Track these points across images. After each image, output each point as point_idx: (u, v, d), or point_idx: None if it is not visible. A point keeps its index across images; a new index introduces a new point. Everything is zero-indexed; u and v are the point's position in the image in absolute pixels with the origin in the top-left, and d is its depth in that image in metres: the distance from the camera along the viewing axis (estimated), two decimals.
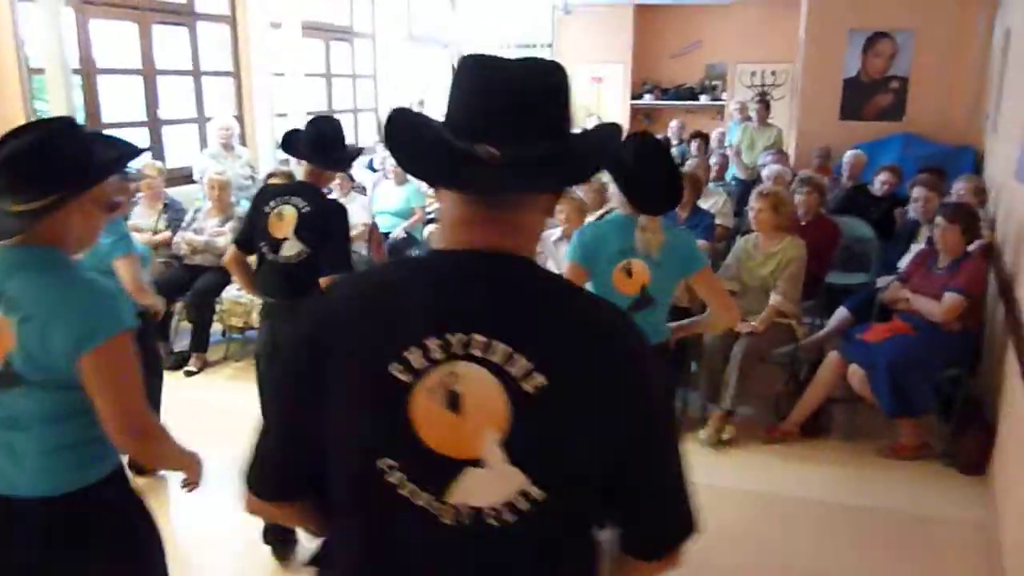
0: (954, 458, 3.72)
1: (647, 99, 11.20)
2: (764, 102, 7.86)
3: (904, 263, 4.38)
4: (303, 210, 2.91)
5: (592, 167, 1.08)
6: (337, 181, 5.83)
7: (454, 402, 0.94)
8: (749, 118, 8.08)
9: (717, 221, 5.33)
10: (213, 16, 6.67)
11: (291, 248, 2.89)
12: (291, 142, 3.08)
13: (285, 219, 2.91)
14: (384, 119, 1.00)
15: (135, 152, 1.80)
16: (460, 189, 0.99)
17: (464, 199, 0.99)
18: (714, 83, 11.06)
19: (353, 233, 5.68)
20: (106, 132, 2.13)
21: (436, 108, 10.19)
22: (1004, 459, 3.26)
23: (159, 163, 5.52)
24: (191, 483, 1.82)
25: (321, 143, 2.97)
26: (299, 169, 3.43)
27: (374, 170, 7.88)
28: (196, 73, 6.52)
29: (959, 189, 4.84)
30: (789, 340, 4.05)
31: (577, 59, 11.28)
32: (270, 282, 2.98)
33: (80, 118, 5.08)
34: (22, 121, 1.82)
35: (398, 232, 6.32)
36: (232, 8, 6.81)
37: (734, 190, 6.76)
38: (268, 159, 6.80)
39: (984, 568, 2.98)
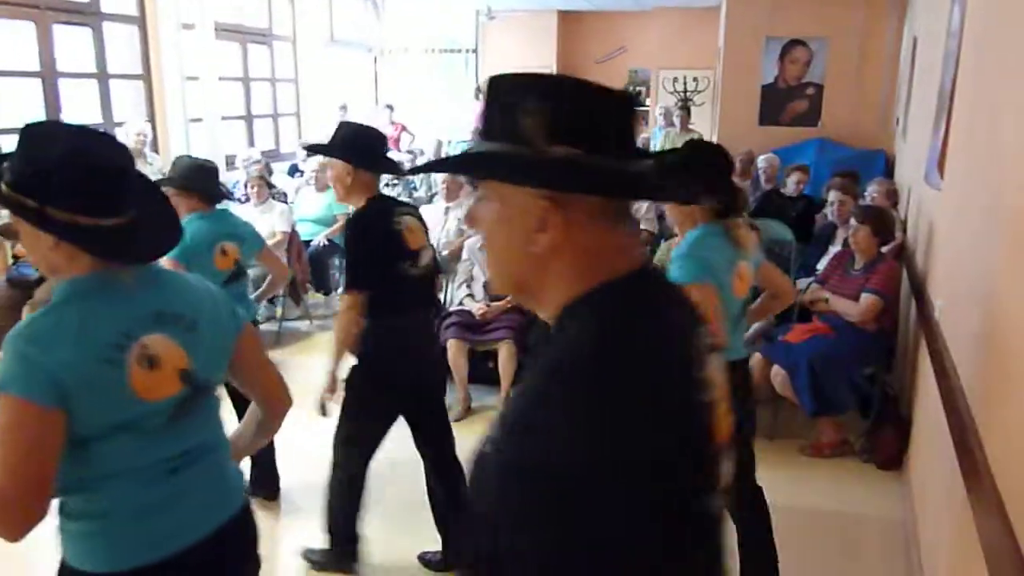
0: (872, 455, 3.80)
1: None
2: (686, 108, 8.00)
3: (823, 265, 4.47)
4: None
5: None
6: (254, 188, 5.63)
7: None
8: (673, 124, 8.20)
9: (642, 226, 5.35)
10: (120, 16, 6.37)
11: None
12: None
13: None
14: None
15: None
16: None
17: None
18: (638, 89, 11.20)
19: (271, 242, 5.52)
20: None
21: (359, 113, 10.01)
22: (919, 455, 3.34)
23: None
24: None
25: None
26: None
27: (295, 176, 7.68)
28: (103, 76, 6.21)
29: (872, 192, 4.98)
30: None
31: (502, 65, 11.28)
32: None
33: None
34: None
35: (319, 240, 6.14)
36: (141, 8, 6.52)
37: None
38: None
39: (902, 564, 3.04)
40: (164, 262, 1.68)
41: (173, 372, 1.40)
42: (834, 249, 4.55)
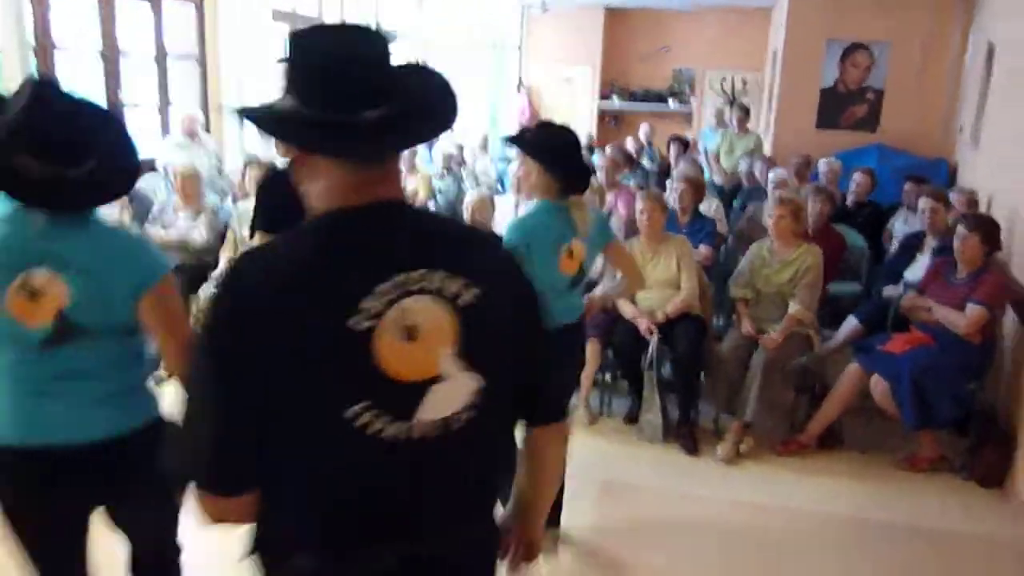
0: (971, 471, 3.66)
1: (615, 101, 11.13)
2: (744, 109, 7.83)
3: (912, 273, 4.33)
4: None
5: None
6: None
7: (411, 333, 1.07)
8: (725, 124, 8.04)
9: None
10: None
11: None
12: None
13: None
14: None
15: None
16: (351, 156, 1.07)
17: (347, 163, 1.08)
18: (682, 88, 11.06)
19: None
20: None
21: None
22: None
23: None
24: None
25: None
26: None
27: None
28: (161, 56, 6.11)
29: (954, 200, 4.83)
30: (807, 349, 3.94)
31: (546, 59, 11.17)
32: None
33: None
34: None
35: None
36: None
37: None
38: (235, 149, 6.43)
39: None
40: None
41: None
42: (922, 257, 4.40)
